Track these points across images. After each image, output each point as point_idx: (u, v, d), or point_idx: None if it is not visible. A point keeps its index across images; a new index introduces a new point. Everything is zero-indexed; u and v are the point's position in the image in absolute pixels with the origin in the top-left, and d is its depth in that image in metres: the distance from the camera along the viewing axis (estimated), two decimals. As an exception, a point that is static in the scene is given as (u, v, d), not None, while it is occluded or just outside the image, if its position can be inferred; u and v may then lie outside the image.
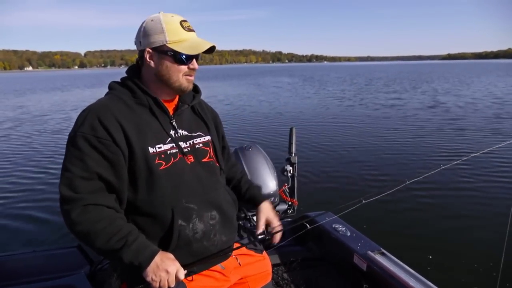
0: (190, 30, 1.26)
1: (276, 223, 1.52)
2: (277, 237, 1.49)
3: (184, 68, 1.25)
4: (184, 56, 1.23)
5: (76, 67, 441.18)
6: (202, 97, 1.48)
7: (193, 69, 1.28)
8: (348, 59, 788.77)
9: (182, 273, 1.18)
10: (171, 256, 1.19)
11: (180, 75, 1.26)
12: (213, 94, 21.91)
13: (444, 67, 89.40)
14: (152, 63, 1.25)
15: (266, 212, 1.53)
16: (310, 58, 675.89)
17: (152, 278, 1.14)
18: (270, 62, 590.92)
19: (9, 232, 4.07)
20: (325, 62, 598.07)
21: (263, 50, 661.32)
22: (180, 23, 1.24)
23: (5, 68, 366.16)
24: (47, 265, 2.07)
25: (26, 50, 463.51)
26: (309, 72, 65.52)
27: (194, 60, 1.27)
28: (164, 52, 1.23)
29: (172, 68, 1.25)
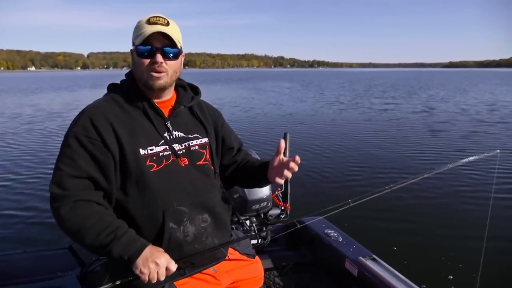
0: (155, 23, 1.22)
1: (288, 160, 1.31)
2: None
3: (145, 61, 1.22)
4: (139, 48, 1.22)
5: (79, 68, 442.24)
6: (205, 99, 1.49)
7: (155, 63, 1.21)
8: (350, 65, 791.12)
9: (173, 265, 1.15)
10: (161, 249, 1.18)
11: (143, 70, 1.23)
12: (210, 97, 22.01)
13: (444, 75, 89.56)
14: (132, 63, 1.30)
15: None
16: (312, 64, 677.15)
17: (141, 271, 1.10)
18: (272, 67, 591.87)
19: (0, 232, 4.01)
20: (320, 68, 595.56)
21: (265, 55, 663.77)
22: (148, 19, 1.23)
23: (8, 68, 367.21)
24: (38, 266, 2.05)
25: (30, 50, 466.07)
26: (310, 78, 65.65)
27: (158, 54, 1.21)
28: (132, 49, 1.27)
29: (136, 63, 1.25)
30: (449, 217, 4.31)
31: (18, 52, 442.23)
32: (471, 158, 1.68)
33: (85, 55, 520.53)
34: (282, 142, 1.30)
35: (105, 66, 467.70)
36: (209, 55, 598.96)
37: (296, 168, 1.28)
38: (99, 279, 1.27)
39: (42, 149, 8.09)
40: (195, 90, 1.44)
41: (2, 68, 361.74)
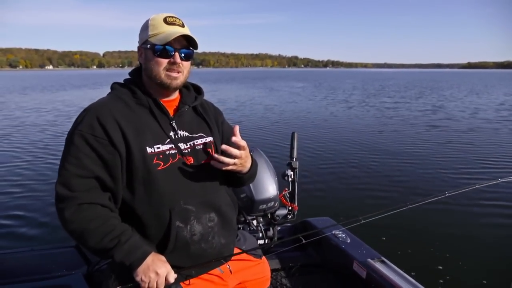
0: (173, 23, 1.25)
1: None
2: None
3: (163, 61, 1.23)
4: (159, 47, 1.21)
5: (95, 67, 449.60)
6: (211, 99, 1.48)
7: (174, 63, 1.24)
8: (365, 65, 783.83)
9: (172, 276, 1.18)
10: (162, 258, 1.19)
11: (160, 70, 1.24)
12: (222, 96, 22.11)
13: (462, 76, 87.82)
14: (141, 60, 1.29)
15: None
16: (326, 64, 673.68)
17: (141, 279, 1.14)
18: (286, 66, 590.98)
19: (7, 230, 4.06)
20: (328, 68, 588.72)
21: (279, 55, 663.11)
22: (165, 18, 1.25)
23: (26, 66, 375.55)
24: (44, 264, 2.06)
25: (47, 49, 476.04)
26: (323, 78, 65.37)
27: (176, 54, 1.24)
28: (146, 46, 1.25)
29: (152, 61, 1.24)
30: (464, 227, 4.18)
31: (36, 51, 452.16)
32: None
33: (101, 54, 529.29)
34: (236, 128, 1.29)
35: (120, 65, 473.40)
36: (223, 54, 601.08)
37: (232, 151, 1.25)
38: (105, 278, 1.27)
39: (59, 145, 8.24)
40: (198, 90, 1.45)
41: (21, 67, 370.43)
